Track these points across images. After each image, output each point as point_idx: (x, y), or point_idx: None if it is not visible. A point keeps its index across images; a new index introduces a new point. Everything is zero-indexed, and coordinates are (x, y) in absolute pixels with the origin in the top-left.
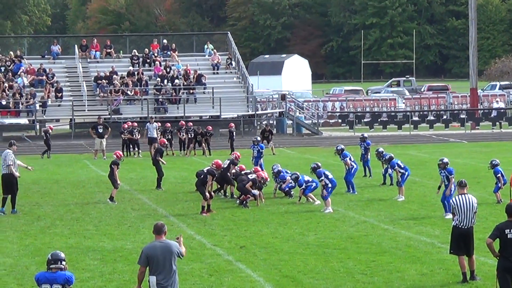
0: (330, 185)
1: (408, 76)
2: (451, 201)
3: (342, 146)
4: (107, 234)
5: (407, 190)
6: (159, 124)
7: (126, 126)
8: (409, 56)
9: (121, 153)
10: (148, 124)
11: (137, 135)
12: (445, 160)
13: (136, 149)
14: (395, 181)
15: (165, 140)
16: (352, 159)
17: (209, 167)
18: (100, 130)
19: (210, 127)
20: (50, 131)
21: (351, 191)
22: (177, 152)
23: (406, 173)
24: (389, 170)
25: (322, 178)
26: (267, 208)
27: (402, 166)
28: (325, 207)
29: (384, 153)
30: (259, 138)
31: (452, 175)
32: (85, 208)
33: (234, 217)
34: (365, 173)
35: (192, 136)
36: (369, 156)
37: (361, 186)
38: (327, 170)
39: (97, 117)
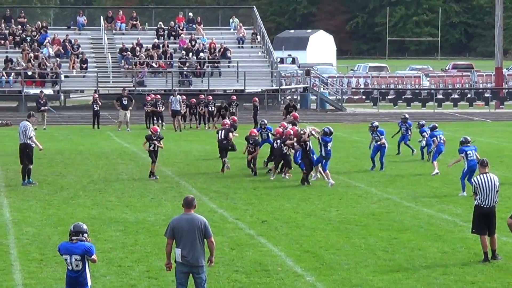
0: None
1: None
2: (472, 180)
3: (377, 123)
4: (130, 205)
5: (429, 169)
6: (184, 97)
7: (149, 98)
8: (434, 34)
9: (156, 128)
10: (171, 97)
11: (160, 107)
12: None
13: (160, 121)
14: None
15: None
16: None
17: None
18: (125, 102)
19: (235, 97)
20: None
21: (381, 169)
22: (194, 126)
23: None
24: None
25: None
26: (289, 183)
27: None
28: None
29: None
30: (265, 121)
31: (461, 155)
32: (108, 180)
33: (256, 191)
34: (398, 151)
35: (212, 109)
36: (410, 137)
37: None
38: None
39: (121, 89)
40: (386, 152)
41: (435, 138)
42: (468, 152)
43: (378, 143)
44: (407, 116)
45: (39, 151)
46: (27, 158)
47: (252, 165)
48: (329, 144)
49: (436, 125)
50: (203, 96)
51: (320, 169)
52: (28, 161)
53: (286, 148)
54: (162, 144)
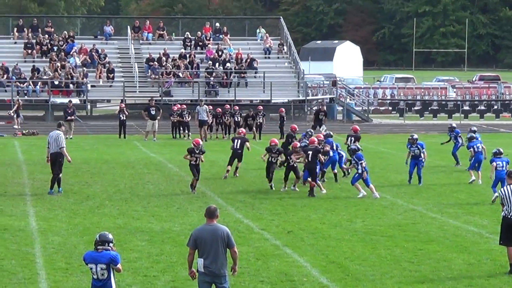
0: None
1: None
2: (498, 192)
3: (417, 136)
4: (155, 215)
5: (456, 179)
6: (210, 107)
7: (175, 108)
8: (461, 45)
9: (199, 140)
10: (198, 107)
11: (186, 117)
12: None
13: (186, 131)
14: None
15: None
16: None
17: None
18: (153, 112)
19: (261, 107)
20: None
21: (419, 183)
22: (220, 136)
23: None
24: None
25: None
26: (315, 195)
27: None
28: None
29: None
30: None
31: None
32: (134, 189)
33: (282, 201)
34: (457, 162)
35: (238, 119)
36: (460, 145)
37: (407, 172)
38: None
39: (148, 99)
40: (423, 165)
41: (471, 149)
42: (498, 163)
43: (420, 158)
44: (454, 125)
45: (67, 162)
46: (59, 167)
47: (267, 176)
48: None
49: (473, 134)
50: (229, 106)
51: (319, 182)
52: (59, 170)
53: (292, 161)
54: (203, 157)
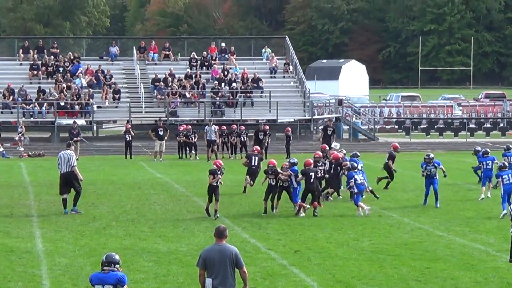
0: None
1: None
2: (507, 208)
3: (433, 155)
4: (162, 236)
5: (462, 197)
6: (218, 126)
7: (181, 128)
8: (467, 63)
9: (221, 162)
10: (207, 127)
11: (193, 137)
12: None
13: (193, 151)
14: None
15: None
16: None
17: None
18: (161, 133)
19: (267, 127)
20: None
21: (436, 205)
22: (227, 156)
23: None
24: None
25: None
26: (321, 213)
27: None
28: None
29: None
30: (294, 160)
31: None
32: (140, 210)
33: (288, 221)
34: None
35: (245, 139)
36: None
37: (414, 190)
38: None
39: (155, 119)
40: (438, 184)
41: (481, 164)
42: (504, 177)
43: (435, 178)
44: (478, 148)
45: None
46: (78, 184)
47: (271, 200)
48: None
49: (488, 150)
50: (235, 126)
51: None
52: (79, 187)
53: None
54: (222, 179)
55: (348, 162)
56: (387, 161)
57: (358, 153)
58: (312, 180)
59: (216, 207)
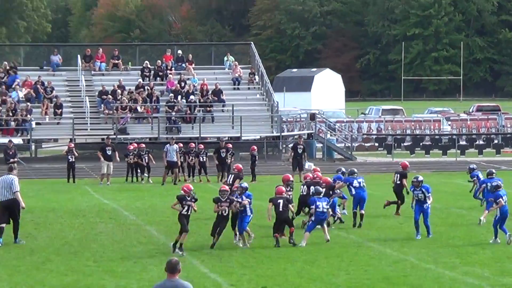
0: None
1: None
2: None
3: (422, 178)
4: (109, 271)
5: (452, 223)
6: (181, 145)
7: (131, 147)
8: (456, 72)
9: (190, 186)
10: (168, 145)
11: (146, 158)
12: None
13: (146, 174)
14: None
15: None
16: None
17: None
18: (109, 153)
19: (230, 145)
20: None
21: (428, 235)
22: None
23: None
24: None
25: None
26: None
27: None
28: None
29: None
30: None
31: (499, 199)
32: (84, 241)
33: (254, 252)
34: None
35: (204, 159)
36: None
37: (400, 218)
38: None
39: (101, 138)
40: (430, 213)
41: (475, 181)
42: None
43: (426, 204)
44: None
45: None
46: (19, 213)
47: (216, 234)
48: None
49: (493, 171)
50: (193, 144)
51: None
52: (18, 217)
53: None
54: (195, 206)
55: (338, 184)
56: (398, 181)
57: (355, 170)
58: (281, 209)
59: (182, 240)
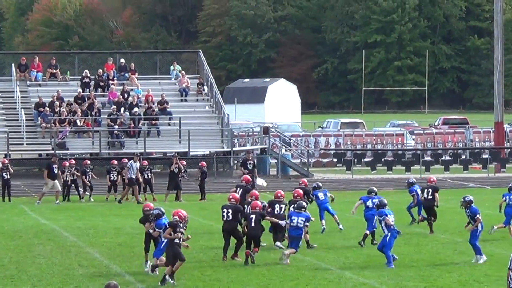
0: None
1: None
2: None
3: (385, 202)
4: None
5: (416, 244)
6: (145, 162)
7: (67, 164)
8: (421, 82)
9: (184, 213)
10: (131, 162)
11: (90, 175)
12: (468, 198)
13: (87, 192)
14: None
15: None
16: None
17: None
18: (55, 171)
19: (184, 162)
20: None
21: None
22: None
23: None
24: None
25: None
26: (245, 266)
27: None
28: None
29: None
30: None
31: (478, 216)
32: (21, 264)
33: (203, 276)
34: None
35: (149, 176)
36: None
37: (356, 238)
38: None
39: (38, 153)
40: (395, 236)
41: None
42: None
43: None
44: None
45: None
46: None
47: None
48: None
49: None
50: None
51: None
52: None
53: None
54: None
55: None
56: (430, 196)
57: (320, 184)
58: (253, 224)
59: (174, 269)
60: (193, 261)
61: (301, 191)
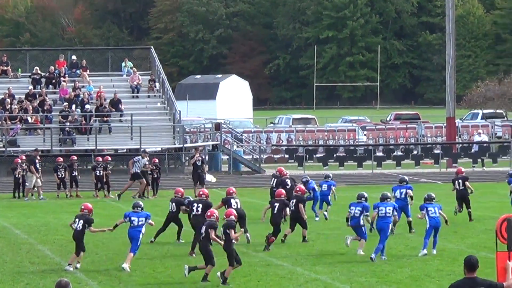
0: None
1: None
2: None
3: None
4: None
5: (367, 241)
6: (99, 159)
7: (19, 160)
8: (372, 77)
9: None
10: (139, 157)
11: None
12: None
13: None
14: None
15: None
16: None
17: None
18: (38, 165)
19: (156, 160)
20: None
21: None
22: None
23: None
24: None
25: None
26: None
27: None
28: None
29: None
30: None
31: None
32: None
33: (155, 273)
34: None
35: (101, 173)
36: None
37: (308, 233)
38: None
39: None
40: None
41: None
42: (429, 209)
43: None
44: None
45: None
46: None
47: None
48: None
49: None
50: (100, 158)
51: None
52: None
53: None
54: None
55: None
56: (462, 187)
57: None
58: (275, 212)
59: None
60: (144, 258)
61: (302, 187)
